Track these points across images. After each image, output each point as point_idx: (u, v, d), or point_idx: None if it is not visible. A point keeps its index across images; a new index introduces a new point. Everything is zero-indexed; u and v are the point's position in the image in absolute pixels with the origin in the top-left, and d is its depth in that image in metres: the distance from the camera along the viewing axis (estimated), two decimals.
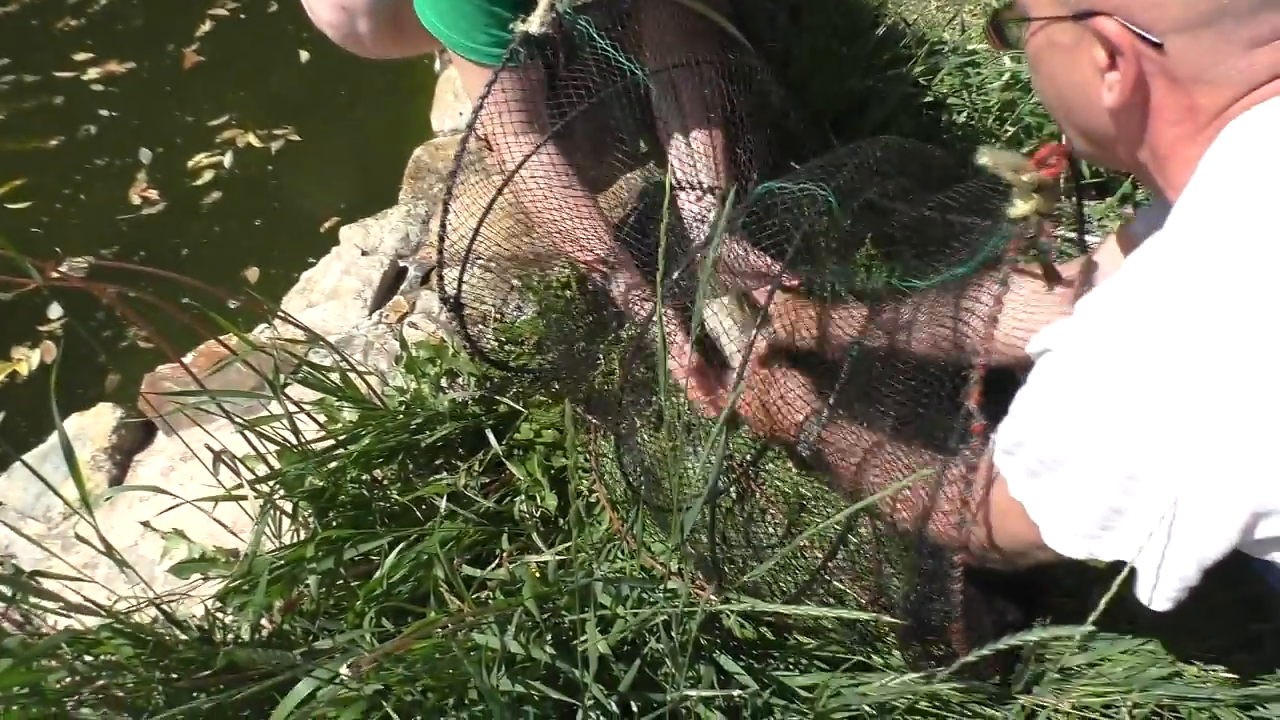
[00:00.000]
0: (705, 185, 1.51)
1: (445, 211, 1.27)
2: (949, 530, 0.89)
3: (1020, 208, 0.89)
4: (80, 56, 2.73)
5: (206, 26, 2.80)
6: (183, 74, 2.70)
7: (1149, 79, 0.76)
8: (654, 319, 1.13)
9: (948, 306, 1.14)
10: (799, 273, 1.43)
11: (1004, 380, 1.05)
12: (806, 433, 1.22)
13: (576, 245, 1.43)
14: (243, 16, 2.83)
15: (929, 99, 1.79)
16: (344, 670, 0.65)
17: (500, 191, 1.35)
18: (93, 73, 2.70)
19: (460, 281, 1.35)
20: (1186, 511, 0.70)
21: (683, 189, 1.52)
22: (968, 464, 0.85)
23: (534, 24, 1.25)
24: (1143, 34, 0.73)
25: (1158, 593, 0.75)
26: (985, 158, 0.89)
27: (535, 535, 1.26)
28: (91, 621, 0.95)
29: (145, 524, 1.28)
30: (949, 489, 0.90)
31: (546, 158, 1.42)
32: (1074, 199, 1.29)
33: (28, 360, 2.12)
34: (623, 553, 1.28)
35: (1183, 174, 0.77)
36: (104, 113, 2.61)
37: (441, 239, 1.30)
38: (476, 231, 1.34)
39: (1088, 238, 1.45)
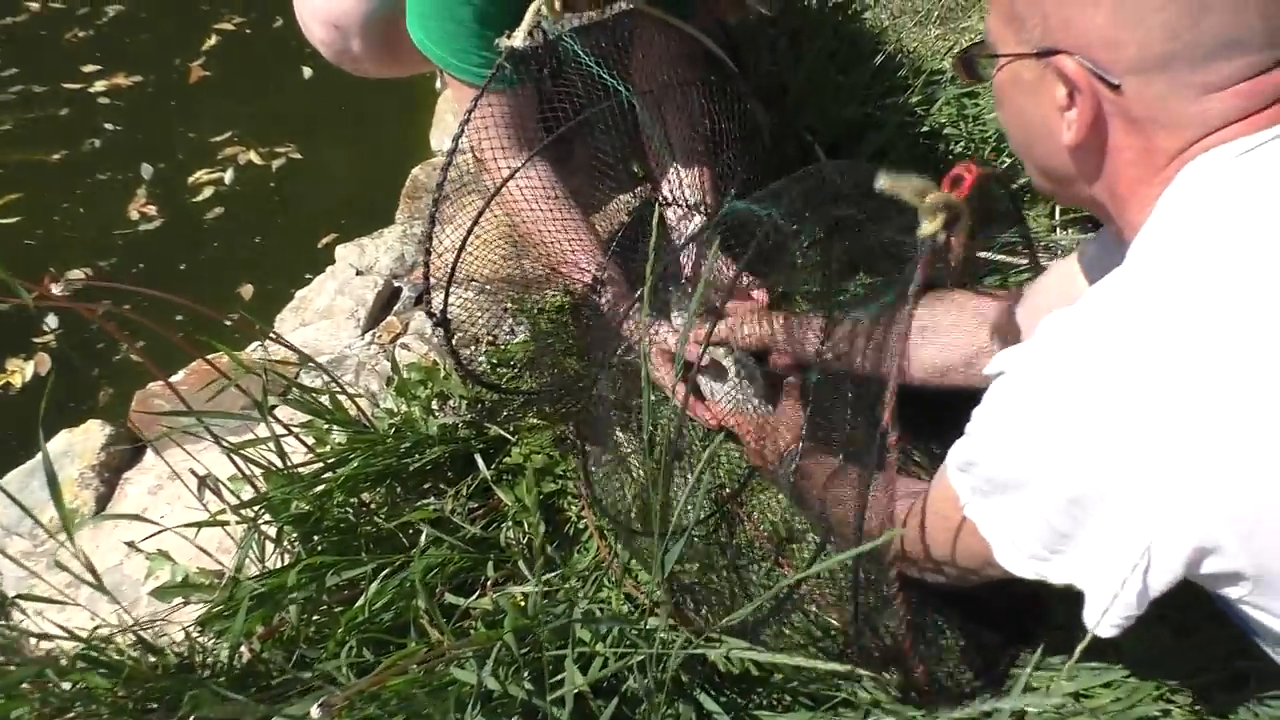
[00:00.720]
0: (690, 202, 1.52)
1: (431, 224, 1.27)
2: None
3: (926, 227, 0.89)
4: (88, 68, 2.74)
5: (212, 41, 2.82)
6: (188, 88, 2.70)
7: (1107, 119, 0.77)
8: (637, 323, 1.14)
9: (880, 329, 1.17)
10: (765, 286, 1.45)
11: (941, 401, 1.07)
12: (789, 460, 1.23)
13: (565, 261, 1.44)
14: (248, 31, 2.84)
15: (926, 128, 1.79)
16: (314, 710, 0.65)
17: (485, 207, 1.35)
18: (100, 85, 2.71)
19: (446, 296, 1.35)
20: (1132, 543, 0.71)
21: (670, 205, 1.52)
22: (886, 480, 0.87)
23: (518, 38, 1.26)
24: (1100, 74, 0.74)
25: (1104, 619, 0.75)
26: (883, 181, 0.89)
27: (521, 563, 1.25)
28: (70, 646, 0.95)
29: (130, 544, 1.27)
30: (878, 500, 0.91)
31: (536, 175, 1.42)
32: (1018, 219, 1.31)
33: (22, 372, 2.11)
34: (609, 581, 1.27)
35: (1140, 214, 0.78)
36: (109, 126, 2.61)
37: (427, 253, 1.29)
38: (462, 246, 1.34)
39: (1043, 258, 1.46)
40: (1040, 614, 1.19)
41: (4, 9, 2.88)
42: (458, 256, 1.32)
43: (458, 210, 1.56)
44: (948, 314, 1.21)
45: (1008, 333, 1.13)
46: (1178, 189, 0.75)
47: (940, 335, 1.21)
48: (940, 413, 1.05)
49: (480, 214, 1.31)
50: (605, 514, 1.22)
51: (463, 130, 1.25)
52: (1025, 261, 1.53)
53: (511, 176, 1.36)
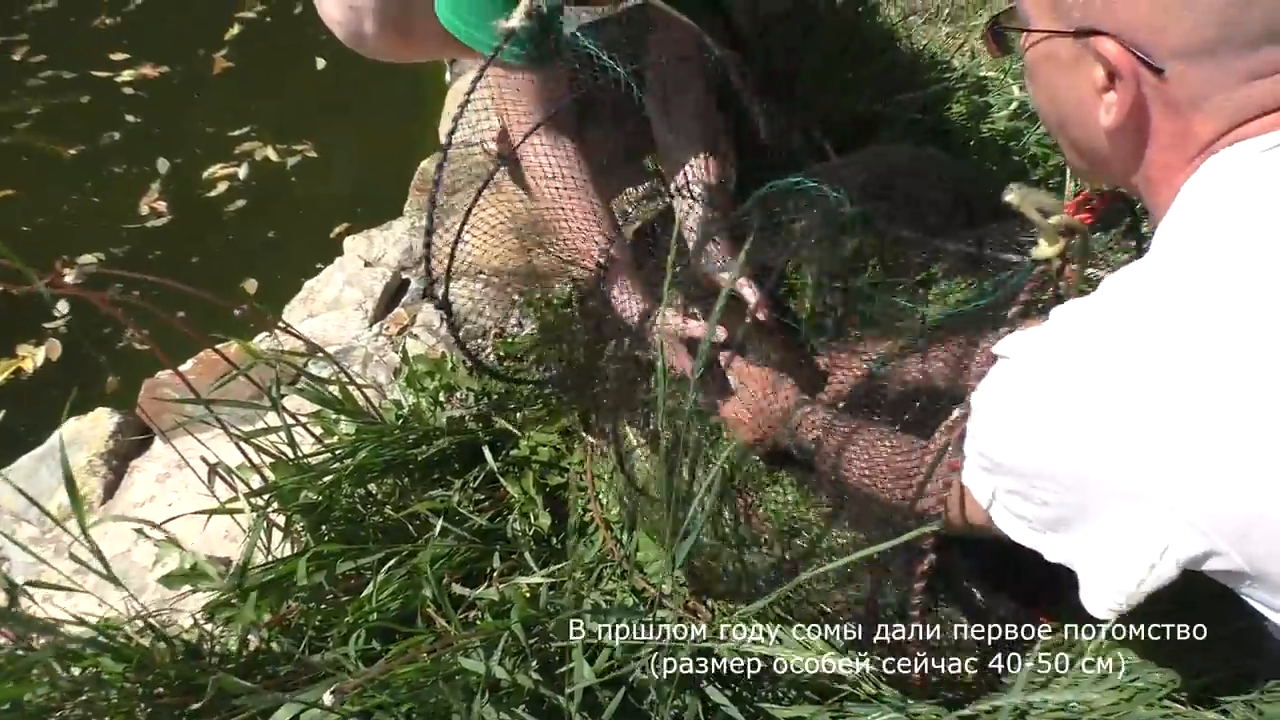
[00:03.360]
0: (700, 194, 1.51)
1: (432, 206, 1.25)
2: (934, 505, 0.90)
3: (1044, 250, 0.86)
4: (117, 56, 2.72)
5: (235, 30, 2.80)
6: (211, 80, 2.69)
7: (1148, 103, 0.76)
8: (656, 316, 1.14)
9: (955, 345, 1.15)
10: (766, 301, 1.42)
11: None
12: (793, 425, 1.23)
13: (576, 246, 1.42)
14: (269, 20, 2.82)
15: (936, 126, 1.79)
16: (327, 697, 0.65)
17: (490, 177, 1.34)
18: (126, 74, 2.69)
19: (448, 279, 1.34)
20: (1127, 541, 0.70)
21: (679, 195, 1.52)
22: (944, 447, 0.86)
23: (515, 19, 1.25)
24: (1144, 58, 0.73)
25: (1099, 602, 0.75)
26: (1013, 195, 0.85)
27: (527, 554, 1.25)
28: (78, 632, 0.95)
29: (139, 530, 1.28)
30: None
31: (559, 155, 1.41)
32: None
33: (33, 358, 2.11)
34: (615, 574, 1.28)
35: (1169, 200, 0.77)
36: (130, 118, 2.60)
37: (429, 234, 1.29)
38: (463, 225, 1.33)
39: (1095, 272, 1.44)
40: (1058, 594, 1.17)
41: None
42: (458, 236, 1.31)
43: (464, 201, 1.56)
44: None
45: None
46: (1200, 182, 0.74)
47: None
48: None
49: (485, 183, 1.31)
50: (631, 488, 1.21)
51: (463, 110, 1.24)
52: None
53: (514, 150, 1.35)
